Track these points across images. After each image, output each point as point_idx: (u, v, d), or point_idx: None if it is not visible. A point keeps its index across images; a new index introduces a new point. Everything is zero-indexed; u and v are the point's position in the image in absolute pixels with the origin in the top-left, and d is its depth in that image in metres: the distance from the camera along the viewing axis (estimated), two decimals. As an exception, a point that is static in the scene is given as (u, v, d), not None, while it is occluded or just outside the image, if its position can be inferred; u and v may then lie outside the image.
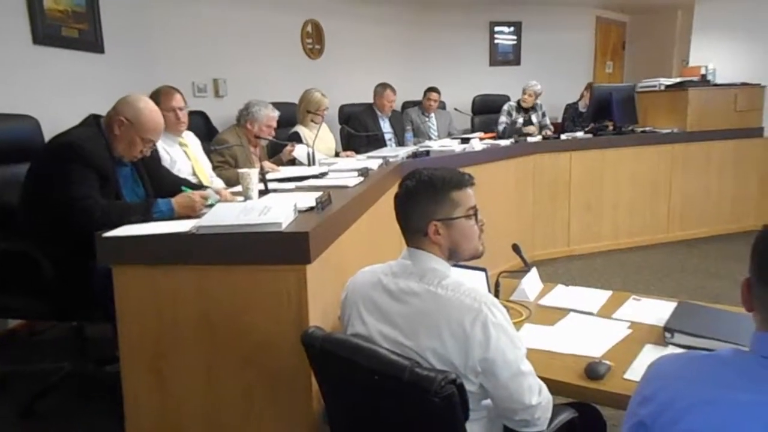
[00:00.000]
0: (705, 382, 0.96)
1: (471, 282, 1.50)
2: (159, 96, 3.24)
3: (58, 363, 2.90)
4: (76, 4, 3.95)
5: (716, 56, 6.57)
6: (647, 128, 5.70)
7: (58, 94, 3.66)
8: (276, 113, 3.95)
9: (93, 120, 2.50)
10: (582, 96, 6.62)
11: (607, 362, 1.64)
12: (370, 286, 1.55)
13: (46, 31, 3.70)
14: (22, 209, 2.45)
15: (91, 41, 4.08)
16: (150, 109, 2.49)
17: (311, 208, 2.16)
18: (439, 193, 1.51)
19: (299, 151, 3.99)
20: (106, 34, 4.19)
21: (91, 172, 2.30)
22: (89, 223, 2.11)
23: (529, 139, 5.28)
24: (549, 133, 5.67)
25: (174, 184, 2.71)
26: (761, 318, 0.99)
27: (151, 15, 4.70)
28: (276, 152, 4.12)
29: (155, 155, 2.83)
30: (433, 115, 5.86)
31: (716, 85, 6.04)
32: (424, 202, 1.51)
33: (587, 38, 8.16)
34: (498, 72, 7.59)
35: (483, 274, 2.06)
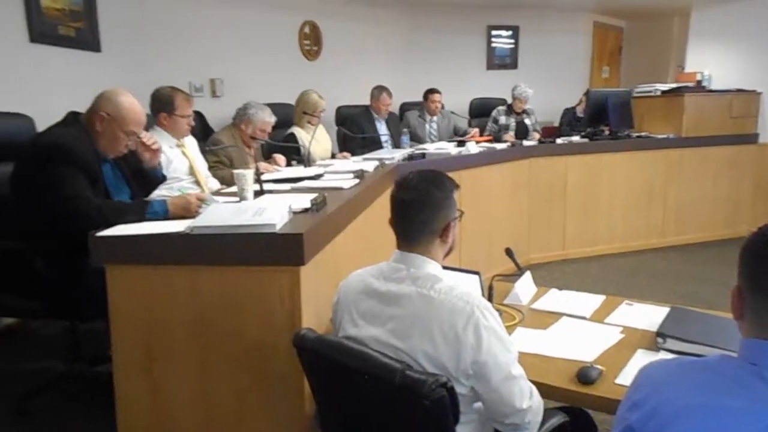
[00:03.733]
0: (694, 388, 0.96)
1: (464, 285, 1.51)
2: (176, 100, 3.25)
3: (51, 362, 2.89)
4: (73, 2, 3.95)
5: (712, 62, 6.60)
6: (643, 133, 5.72)
7: (54, 93, 3.65)
8: (273, 119, 3.95)
9: (73, 118, 2.49)
10: (581, 101, 6.63)
11: (599, 367, 1.64)
12: (362, 288, 1.56)
13: (43, 30, 3.70)
14: (13, 210, 2.44)
15: (88, 40, 4.08)
16: (130, 101, 2.50)
17: (306, 210, 2.16)
18: (451, 193, 1.56)
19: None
20: (103, 32, 4.19)
21: (81, 173, 2.31)
22: (84, 223, 2.10)
23: (525, 142, 5.29)
24: (537, 136, 5.71)
25: (154, 182, 2.73)
26: (751, 325, 0.99)
27: (149, 14, 4.70)
28: (269, 153, 4.10)
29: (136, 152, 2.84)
30: (436, 117, 5.81)
31: (712, 91, 6.07)
32: (442, 204, 1.54)
33: (584, 43, 8.19)
34: (495, 76, 7.60)
35: (476, 277, 2.06)
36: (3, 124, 2.82)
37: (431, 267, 1.53)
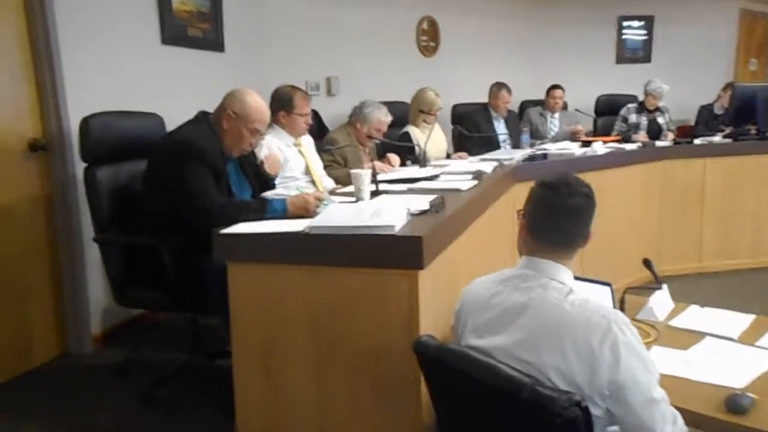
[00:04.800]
0: None
1: (596, 297, 1.46)
2: (295, 99, 3.37)
3: (174, 353, 3.09)
4: (201, 4, 4.20)
5: None
6: (798, 133, 5.23)
7: (181, 93, 3.90)
8: (388, 118, 3.99)
9: (202, 117, 2.65)
10: (719, 97, 6.18)
11: (751, 395, 1.52)
12: (488, 296, 1.54)
13: (174, 32, 3.96)
14: (144, 205, 2.64)
15: (213, 40, 4.33)
16: (255, 100, 2.62)
17: (425, 212, 2.16)
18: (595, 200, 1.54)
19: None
20: (227, 33, 4.42)
21: (208, 170, 2.44)
22: (208, 220, 2.22)
23: (658, 143, 5.00)
24: (671, 136, 5.37)
25: (268, 185, 2.86)
26: None
27: (269, 14, 4.91)
28: (386, 153, 4.15)
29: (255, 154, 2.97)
30: (557, 114, 5.70)
31: None
32: (591, 211, 1.53)
33: (728, 33, 7.62)
34: (625, 70, 7.25)
35: (608, 289, 1.97)
36: (137, 124, 3.04)
37: (564, 276, 1.50)
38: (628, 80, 6.76)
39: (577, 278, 1.58)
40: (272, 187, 2.99)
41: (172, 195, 2.43)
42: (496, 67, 6.49)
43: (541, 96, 5.85)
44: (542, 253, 1.53)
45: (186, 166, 2.41)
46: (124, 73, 3.58)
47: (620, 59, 7.36)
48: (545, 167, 3.94)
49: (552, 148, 4.65)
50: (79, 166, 2.96)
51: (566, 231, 1.53)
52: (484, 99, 5.38)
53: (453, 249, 2.21)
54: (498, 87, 5.25)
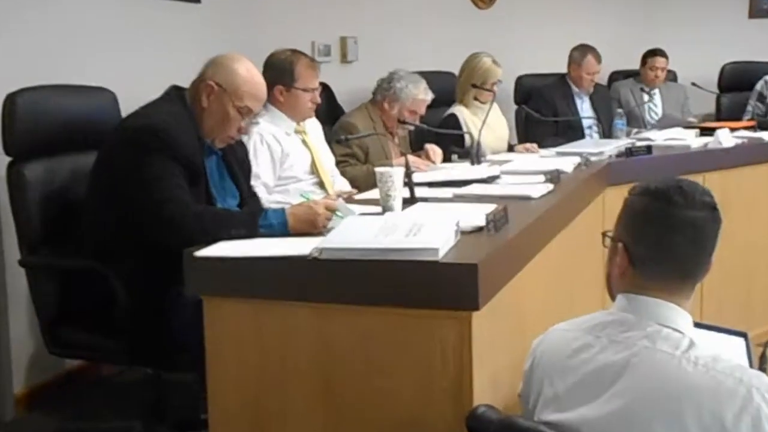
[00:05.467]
0: None
1: (726, 352, 1.49)
2: (297, 68, 3.38)
3: (126, 421, 3.10)
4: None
5: None
6: None
7: (142, 60, 3.92)
8: (429, 96, 4.00)
9: (175, 94, 2.66)
10: None
11: None
12: (572, 351, 1.54)
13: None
14: (88, 215, 2.66)
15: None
16: (248, 69, 2.64)
17: (479, 229, 2.16)
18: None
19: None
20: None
21: (180, 167, 2.45)
22: (178, 237, 2.24)
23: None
24: None
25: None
26: None
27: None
28: (423, 142, 4.14)
29: (245, 150, 3.00)
30: (657, 90, 5.68)
31: None
32: (716, 229, 1.55)
33: None
34: (763, 27, 7.17)
35: (742, 341, 1.96)
36: (81, 102, 3.06)
37: (681, 321, 1.51)
38: (765, 42, 6.69)
39: (697, 325, 1.58)
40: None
41: (129, 201, 2.45)
42: (575, 24, 6.45)
43: (635, 65, 5.83)
44: (649, 290, 1.53)
45: (149, 162, 2.43)
46: (62, 32, 3.62)
47: (755, 12, 7.29)
48: (650, 165, 3.91)
49: (658, 137, 4.61)
50: (0, 162, 3.00)
51: (683, 257, 1.53)
52: (561, 68, 5.36)
53: (520, 282, 2.20)
54: (582, 51, 5.23)
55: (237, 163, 2.85)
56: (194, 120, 2.60)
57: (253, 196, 3.00)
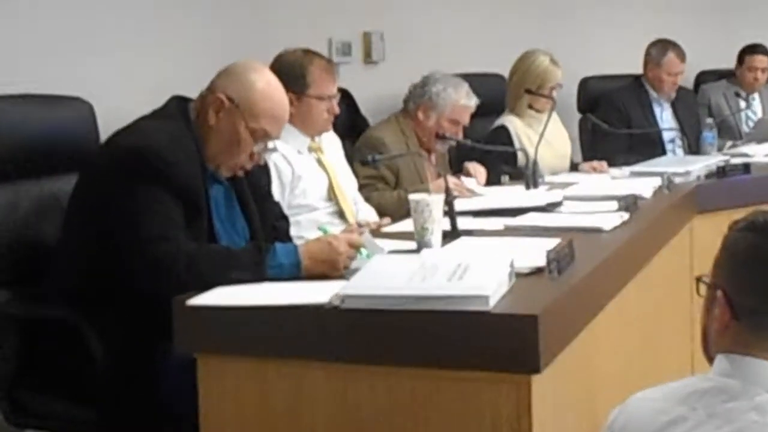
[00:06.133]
0: None
1: None
2: (310, 72, 3.41)
3: None
4: None
5: None
6: None
7: (125, 64, 3.91)
8: (472, 101, 4.01)
9: (176, 106, 2.66)
10: None
11: None
12: (659, 426, 1.51)
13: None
14: (61, 254, 2.67)
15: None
16: (268, 81, 2.64)
17: (538, 270, 2.17)
18: None
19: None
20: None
21: (174, 198, 2.45)
22: (167, 279, 2.24)
23: None
24: None
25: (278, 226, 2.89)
26: None
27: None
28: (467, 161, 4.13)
29: (267, 172, 2.99)
30: (757, 95, 5.71)
31: None
32: None
33: None
34: None
35: None
36: (50, 115, 3.06)
37: None
38: None
39: None
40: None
41: (110, 238, 2.45)
42: (653, 14, 6.45)
43: (730, 64, 5.83)
44: (757, 350, 1.50)
45: (136, 191, 2.43)
46: (25, 30, 3.63)
47: None
48: (748, 188, 3.90)
49: (757, 152, 4.58)
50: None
51: None
52: (636, 69, 5.35)
53: (590, 336, 2.21)
54: (662, 48, 5.23)
55: (253, 192, 2.82)
56: (198, 140, 2.60)
57: (284, 218, 3.02)
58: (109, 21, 3.98)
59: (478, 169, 3.91)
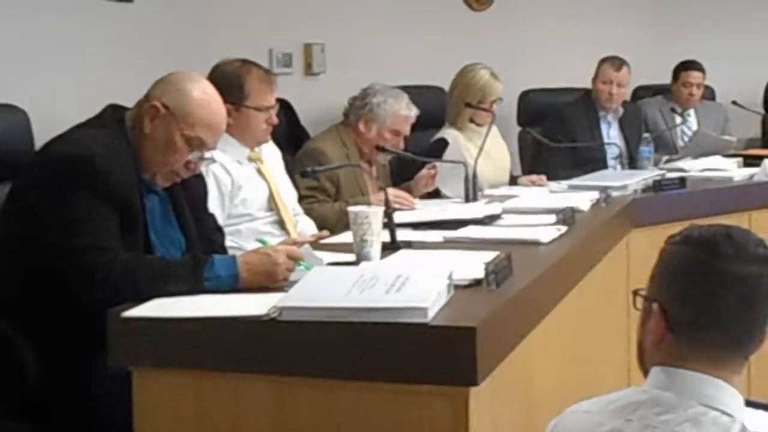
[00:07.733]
0: None
1: None
2: (248, 82, 3.39)
3: None
4: None
5: None
6: None
7: (59, 72, 3.88)
8: (413, 111, 4.03)
9: (112, 115, 2.63)
10: None
11: None
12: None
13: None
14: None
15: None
16: (204, 90, 2.62)
17: (477, 282, 2.18)
18: None
19: (447, 176, 3.99)
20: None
21: (110, 208, 2.41)
22: (102, 290, 2.22)
23: None
24: None
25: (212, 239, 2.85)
26: None
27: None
28: (406, 174, 4.14)
29: (203, 183, 2.96)
30: (692, 111, 5.76)
31: None
32: None
33: None
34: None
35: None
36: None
37: (731, 400, 1.50)
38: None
39: (748, 404, 1.58)
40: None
41: (43, 248, 2.41)
42: (593, 28, 6.50)
43: (666, 80, 5.90)
44: (691, 362, 1.52)
45: (70, 200, 2.39)
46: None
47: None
48: (683, 202, 3.95)
49: (692, 167, 4.64)
50: None
51: (735, 322, 1.52)
52: (575, 82, 5.39)
53: (527, 349, 2.21)
54: (610, 64, 5.22)
55: (189, 203, 2.80)
56: (133, 149, 2.57)
57: (218, 230, 2.99)
58: (45, 29, 3.95)
59: (421, 181, 3.93)
